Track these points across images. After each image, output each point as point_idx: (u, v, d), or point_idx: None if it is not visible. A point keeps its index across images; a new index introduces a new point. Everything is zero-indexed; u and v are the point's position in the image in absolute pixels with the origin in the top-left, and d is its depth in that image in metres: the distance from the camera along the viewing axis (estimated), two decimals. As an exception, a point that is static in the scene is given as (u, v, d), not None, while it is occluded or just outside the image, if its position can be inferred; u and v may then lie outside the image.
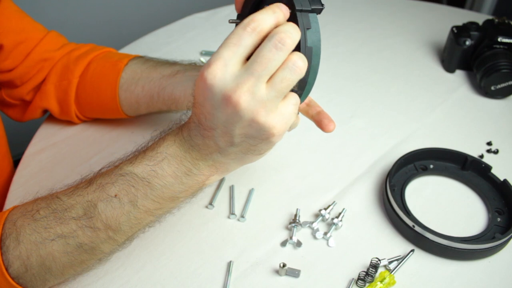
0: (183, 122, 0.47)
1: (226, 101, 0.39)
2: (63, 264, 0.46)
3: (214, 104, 0.40)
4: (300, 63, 0.40)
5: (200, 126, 0.43)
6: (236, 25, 0.46)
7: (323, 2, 0.44)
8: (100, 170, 0.48)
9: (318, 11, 0.44)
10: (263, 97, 0.39)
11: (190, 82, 0.62)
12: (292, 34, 0.39)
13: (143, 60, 0.69)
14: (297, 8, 0.42)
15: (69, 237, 0.45)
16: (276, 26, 0.40)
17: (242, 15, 0.50)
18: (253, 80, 0.39)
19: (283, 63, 0.39)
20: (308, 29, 0.43)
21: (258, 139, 0.42)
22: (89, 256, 0.47)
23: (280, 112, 0.41)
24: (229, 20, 0.49)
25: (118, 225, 0.46)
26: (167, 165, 0.45)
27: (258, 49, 0.39)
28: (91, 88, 0.68)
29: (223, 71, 0.39)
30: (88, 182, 0.47)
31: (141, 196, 0.45)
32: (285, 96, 0.42)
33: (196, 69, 0.64)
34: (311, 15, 0.44)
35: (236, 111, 0.39)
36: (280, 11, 0.40)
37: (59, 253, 0.45)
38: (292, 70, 0.39)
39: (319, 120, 0.56)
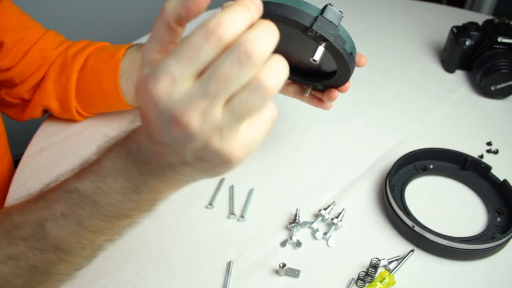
0: (130, 130, 0.41)
1: (175, 122, 0.31)
2: (19, 285, 0.42)
3: (161, 122, 0.33)
4: (269, 82, 0.30)
5: (150, 139, 0.36)
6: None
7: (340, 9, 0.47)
8: (56, 179, 0.44)
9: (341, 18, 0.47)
10: (217, 122, 0.31)
11: None
12: (263, 43, 0.30)
13: (137, 48, 0.68)
14: (331, 40, 0.46)
15: (19, 259, 0.41)
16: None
17: None
18: (206, 101, 0.30)
19: (247, 82, 0.30)
20: (345, 43, 0.47)
21: (213, 163, 0.35)
22: (45, 277, 0.43)
23: (241, 136, 0.33)
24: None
25: (69, 247, 0.41)
26: (113, 181, 0.39)
27: (218, 62, 0.30)
28: (91, 81, 0.68)
29: (171, 89, 0.30)
30: (38, 197, 0.42)
31: (88, 215, 0.40)
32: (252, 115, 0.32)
33: None
34: (341, 30, 0.47)
35: (186, 134, 0.32)
36: (254, 8, 0.31)
37: (11, 276, 0.41)
38: (256, 92, 0.30)
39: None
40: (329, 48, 0.47)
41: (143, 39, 0.97)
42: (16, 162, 0.70)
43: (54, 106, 0.70)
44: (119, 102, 0.69)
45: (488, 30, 0.85)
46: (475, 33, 0.86)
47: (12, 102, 0.70)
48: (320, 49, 0.46)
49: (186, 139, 0.32)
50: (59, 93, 0.69)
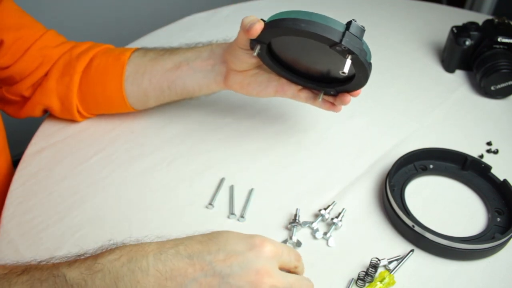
0: (140, 242, 0.44)
1: (258, 272, 0.41)
2: None
3: (245, 263, 0.42)
4: None
5: (185, 258, 0.41)
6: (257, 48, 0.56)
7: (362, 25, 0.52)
8: (40, 263, 0.45)
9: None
10: None
11: (199, 73, 0.65)
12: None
13: (143, 52, 0.69)
14: (357, 54, 0.51)
15: None
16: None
17: (258, 40, 0.56)
18: (280, 282, 0.42)
19: None
20: (366, 54, 0.53)
21: None
22: None
23: None
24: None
25: None
26: (101, 278, 0.41)
27: None
28: (96, 82, 0.69)
29: (276, 259, 0.44)
30: (23, 270, 0.43)
31: None
32: None
33: (199, 57, 0.65)
34: (364, 44, 0.53)
35: (254, 281, 0.41)
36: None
37: None
38: None
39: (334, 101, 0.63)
40: (354, 60, 0.52)
41: (143, 39, 0.97)
42: (16, 161, 0.70)
43: (55, 105, 0.70)
44: (123, 105, 0.69)
45: (488, 30, 0.85)
46: (475, 33, 0.86)
47: (12, 99, 0.70)
48: (348, 62, 0.51)
49: (251, 284, 0.41)
50: (61, 92, 0.69)
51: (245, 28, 0.55)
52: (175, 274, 0.40)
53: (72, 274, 0.41)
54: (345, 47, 0.50)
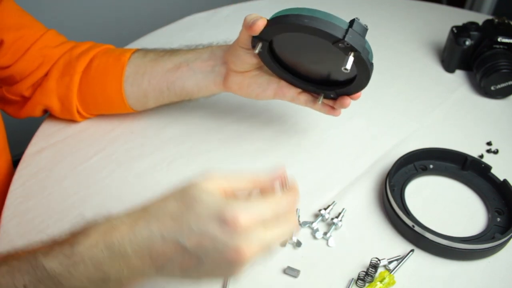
0: (118, 217, 0.41)
1: (237, 252, 0.38)
2: None
3: (219, 245, 0.38)
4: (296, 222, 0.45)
5: (159, 240, 0.39)
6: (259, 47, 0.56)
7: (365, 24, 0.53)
8: (17, 251, 0.44)
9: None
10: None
11: (199, 74, 0.64)
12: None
13: (143, 53, 0.69)
14: (360, 51, 0.51)
15: None
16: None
17: (260, 37, 0.55)
18: (265, 248, 0.40)
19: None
20: (368, 53, 0.53)
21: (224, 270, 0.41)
22: None
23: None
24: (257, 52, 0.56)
25: None
26: (83, 268, 0.40)
27: (282, 219, 0.42)
28: (95, 83, 0.69)
29: (254, 228, 0.39)
30: (3, 259, 0.42)
31: None
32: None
33: (199, 58, 0.65)
34: (366, 44, 0.53)
35: (235, 261, 0.39)
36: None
37: None
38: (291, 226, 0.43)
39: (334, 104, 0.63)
40: (357, 58, 0.52)
41: (143, 39, 0.97)
42: (16, 162, 0.70)
43: (55, 105, 0.70)
44: (122, 105, 0.69)
45: (488, 30, 0.85)
46: (475, 33, 0.86)
47: (12, 99, 0.70)
48: (351, 59, 0.51)
49: (231, 265, 0.39)
50: (61, 92, 0.69)
51: (247, 25, 0.55)
52: (154, 256, 0.40)
53: (51, 265, 0.40)
54: (348, 44, 0.50)
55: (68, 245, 0.41)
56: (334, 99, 0.64)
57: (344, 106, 0.63)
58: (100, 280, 0.40)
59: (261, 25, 0.54)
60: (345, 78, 0.60)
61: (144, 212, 0.41)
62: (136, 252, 0.39)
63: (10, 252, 0.44)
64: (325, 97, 0.64)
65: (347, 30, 0.50)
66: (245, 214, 0.38)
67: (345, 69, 0.51)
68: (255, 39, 0.56)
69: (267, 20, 0.54)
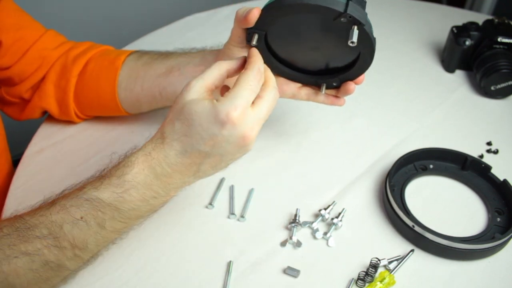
0: (147, 146, 0.49)
1: (244, 137, 0.47)
2: (27, 281, 0.46)
3: (230, 138, 0.46)
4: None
5: (186, 154, 0.48)
6: (253, 39, 0.54)
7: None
8: (63, 191, 0.50)
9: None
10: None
11: (190, 79, 0.63)
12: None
13: (137, 56, 0.68)
14: (363, 23, 0.50)
15: (34, 254, 0.45)
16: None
17: (255, 29, 0.54)
18: (262, 121, 0.48)
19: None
20: (371, 27, 0.52)
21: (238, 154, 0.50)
22: (55, 273, 0.47)
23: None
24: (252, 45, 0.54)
25: (85, 245, 0.47)
26: (135, 192, 0.48)
27: (266, 97, 0.49)
28: (90, 87, 0.68)
29: (245, 114, 0.46)
30: (51, 203, 0.48)
31: (109, 218, 0.47)
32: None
33: (190, 62, 0.63)
34: (367, 16, 0.52)
35: (248, 144, 0.48)
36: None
37: (23, 270, 0.45)
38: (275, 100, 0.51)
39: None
40: (360, 31, 0.50)
41: (143, 39, 0.97)
42: (16, 162, 0.70)
43: (53, 108, 0.70)
44: (116, 109, 0.69)
45: (488, 30, 0.85)
46: (475, 33, 0.86)
47: (11, 101, 0.70)
48: (356, 32, 0.49)
49: (245, 148, 0.48)
50: (58, 95, 0.69)
51: (241, 17, 0.53)
52: (188, 167, 0.48)
53: (105, 195, 0.47)
54: (350, 17, 0.48)
55: (115, 178, 0.47)
56: (337, 87, 0.62)
57: (348, 93, 0.61)
58: (152, 198, 0.49)
59: (256, 13, 0.51)
60: (346, 62, 0.58)
61: (162, 137, 0.48)
62: (173, 169, 0.48)
63: (48, 199, 0.49)
64: (327, 88, 0.62)
65: (347, 3, 0.49)
66: (234, 107, 0.45)
67: (352, 42, 0.49)
68: (250, 32, 0.54)
69: (262, 9, 0.52)
